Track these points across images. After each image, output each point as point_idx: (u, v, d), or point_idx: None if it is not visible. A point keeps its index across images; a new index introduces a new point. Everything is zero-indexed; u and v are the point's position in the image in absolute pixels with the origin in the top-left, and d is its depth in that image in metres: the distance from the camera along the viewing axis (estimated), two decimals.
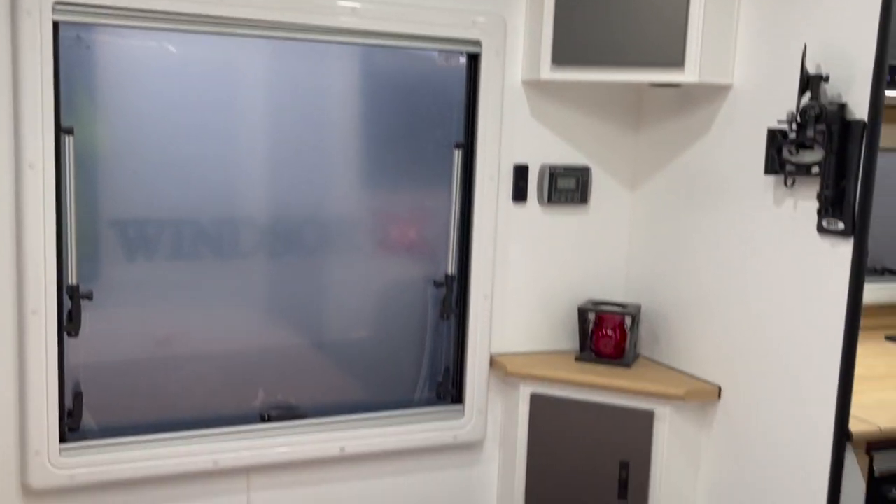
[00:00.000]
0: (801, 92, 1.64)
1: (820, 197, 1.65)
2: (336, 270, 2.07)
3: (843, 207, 1.64)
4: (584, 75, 1.99)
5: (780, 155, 1.75)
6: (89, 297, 1.85)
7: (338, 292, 2.08)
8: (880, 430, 1.72)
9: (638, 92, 2.24)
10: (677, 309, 2.13)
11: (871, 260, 2.68)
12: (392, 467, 2.15)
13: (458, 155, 2.13)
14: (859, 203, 1.62)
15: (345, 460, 2.10)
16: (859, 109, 1.61)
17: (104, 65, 1.81)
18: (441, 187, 2.14)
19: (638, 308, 2.20)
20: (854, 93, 1.61)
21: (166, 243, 1.91)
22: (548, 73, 2.02)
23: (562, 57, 1.99)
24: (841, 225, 1.64)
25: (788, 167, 1.73)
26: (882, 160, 2.63)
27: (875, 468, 1.77)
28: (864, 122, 1.59)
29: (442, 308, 2.17)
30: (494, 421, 2.22)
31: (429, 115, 2.10)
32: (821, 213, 1.67)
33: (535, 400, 2.10)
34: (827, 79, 1.64)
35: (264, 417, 2.05)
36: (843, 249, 1.65)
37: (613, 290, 2.31)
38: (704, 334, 2.04)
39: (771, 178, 1.81)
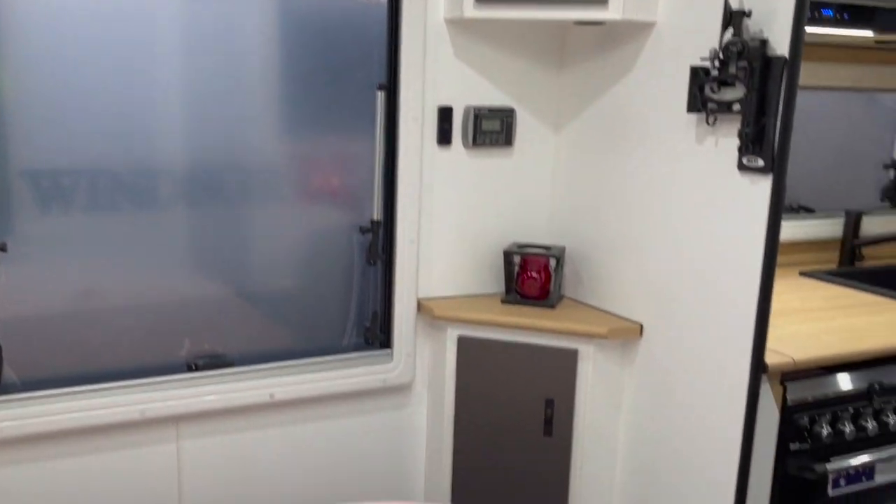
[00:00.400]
0: (724, 28, 1.65)
1: (741, 134, 1.67)
2: (260, 218, 2.02)
3: (762, 145, 1.66)
4: (507, 13, 1.95)
5: (702, 93, 1.76)
6: (3, 248, 1.76)
7: (262, 240, 2.03)
8: (794, 361, 1.79)
9: (561, 30, 2.22)
10: (601, 249, 2.15)
11: (788, 198, 2.75)
12: (322, 412, 2.14)
13: (380, 97, 2.07)
14: (779, 140, 1.64)
15: (275, 406, 2.08)
16: (780, 46, 1.62)
17: (8, 6, 1.69)
18: (364, 131, 2.09)
19: (562, 250, 2.22)
20: (775, 29, 1.62)
21: (82, 193, 1.83)
22: (471, 10, 1.98)
23: None
24: (761, 162, 1.67)
25: (710, 105, 1.74)
26: (801, 98, 2.68)
27: (788, 397, 1.84)
28: (785, 59, 1.61)
29: (368, 254, 2.15)
30: (423, 364, 2.22)
31: (350, 55, 2.04)
32: (741, 151, 1.69)
33: (463, 342, 2.11)
34: (749, 14, 1.65)
35: (191, 367, 2.01)
36: (763, 186, 1.69)
37: (539, 233, 2.32)
38: (627, 273, 2.07)
39: (693, 117, 1.82)
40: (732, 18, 1.64)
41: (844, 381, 1.93)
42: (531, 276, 2.18)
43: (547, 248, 2.21)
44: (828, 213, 2.75)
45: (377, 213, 2.13)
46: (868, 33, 2.04)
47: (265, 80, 1.96)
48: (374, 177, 2.11)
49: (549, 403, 2.08)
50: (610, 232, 2.12)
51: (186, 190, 1.93)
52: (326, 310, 2.14)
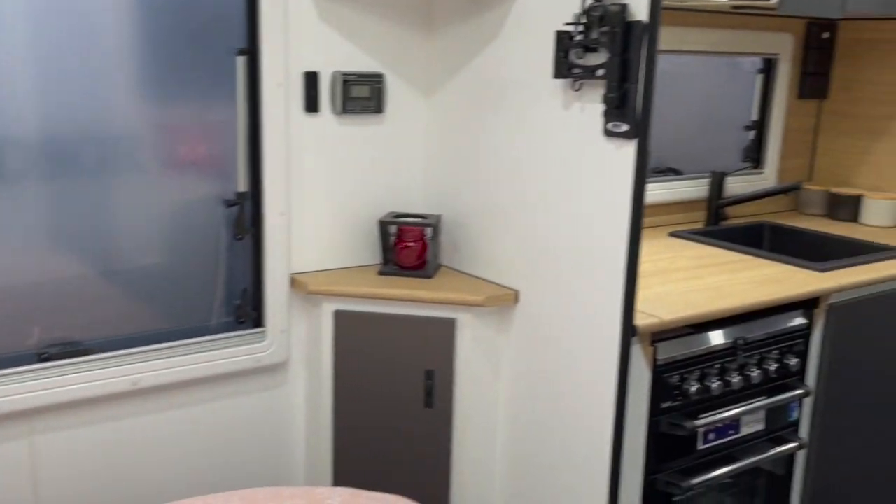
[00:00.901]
0: None
1: (605, 100, 1.67)
2: (116, 191, 1.88)
3: (626, 110, 1.67)
4: None
5: (567, 58, 1.75)
6: None
7: (120, 215, 1.90)
8: (662, 321, 1.83)
9: None
10: (476, 217, 2.14)
11: (657, 161, 2.82)
12: (193, 397, 2.04)
13: (241, 62, 1.97)
14: (641, 105, 1.65)
15: (140, 394, 1.97)
16: (640, 11, 1.62)
17: None
18: (227, 97, 1.98)
19: (438, 218, 2.19)
20: None
21: None
22: None
23: None
24: (625, 127, 1.68)
25: (575, 70, 1.73)
26: (668, 63, 2.73)
27: (658, 357, 1.89)
28: (645, 24, 1.61)
29: (235, 228, 2.05)
30: (299, 341, 2.16)
31: (209, 18, 1.92)
32: (606, 116, 1.70)
33: (339, 316, 2.05)
34: None
35: (42, 357, 1.86)
36: (628, 151, 1.70)
37: (415, 202, 2.28)
38: (502, 240, 2.07)
39: (560, 83, 1.81)
40: None
41: (711, 339, 1.99)
42: (407, 245, 2.15)
43: (423, 216, 2.17)
44: (695, 175, 2.84)
45: (243, 185, 2.03)
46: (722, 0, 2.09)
47: (120, 44, 1.81)
48: (238, 146, 2.01)
49: (430, 374, 2.06)
50: (484, 199, 2.10)
51: (35, 161, 1.77)
52: (192, 289, 2.04)
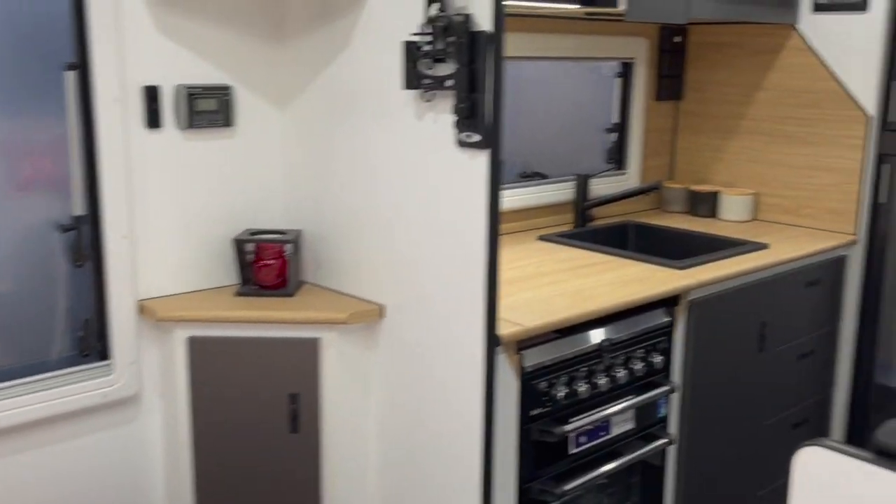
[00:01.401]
0: (429, 2, 1.60)
1: (455, 110, 1.64)
2: None
3: (477, 120, 1.65)
4: None
5: (416, 68, 1.71)
6: None
7: None
8: (526, 329, 1.82)
9: (280, 5, 2.08)
10: (338, 230, 2.07)
11: (523, 165, 2.84)
12: (35, 440, 1.88)
13: (71, 77, 1.83)
14: (491, 114, 1.63)
15: None
16: (484, 20, 1.60)
17: None
18: (58, 115, 1.84)
19: (299, 233, 2.11)
20: (478, 3, 1.60)
21: None
22: None
23: None
24: (476, 137, 1.65)
25: (425, 81, 1.70)
26: (528, 69, 2.73)
27: (525, 365, 1.88)
28: (489, 33, 1.59)
29: (74, 254, 1.90)
30: (151, 372, 2.03)
31: (33, 30, 1.77)
32: (458, 127, 1.67)
33: (193, 343, 1.94)
34: None
35: None
36: (481, 161, 1.67)
37: (275, 218, 2.19)
38: (365, 254, 2.01)
39: (411, 93, 1.77)
40: None
41: (578, 342, 2.00)
42: (266, 264, 2.06)
43: (282, 232, 2.09)
44: (561, 178, 2.86)
45: (80, 208, 1.89)
46: (575, 7, 2.10)
47: None
48: (71, 167, 1.86)
49: (294, 398, 1.97)
50: (345, 212, 2.04)
51: None
52: (30, 322, 1.88)
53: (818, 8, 2.81)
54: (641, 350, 2.16)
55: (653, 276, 2.26)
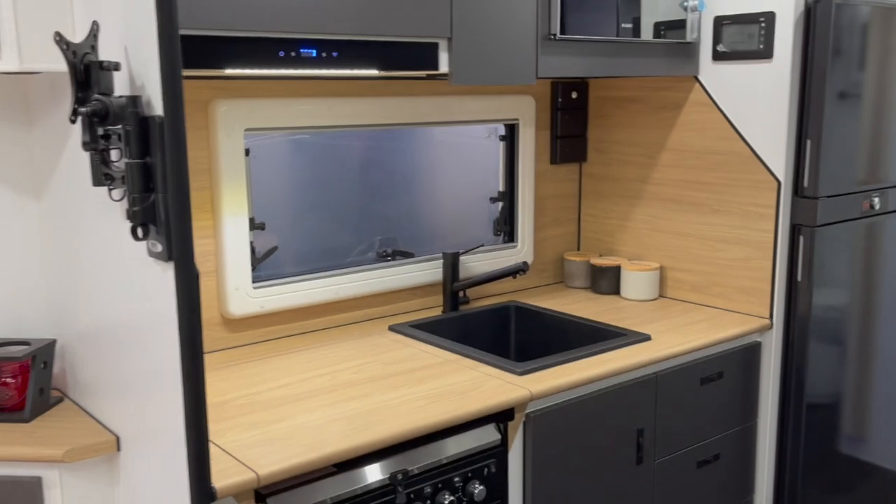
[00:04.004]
0: (78, 86, 1.30)
1: (128, 215, 1.33)
2: None
3: (158, 226, 1.33)
4: None
5: (104, 162, 1.41)
6: None
7: None
8: (258, 478, 1.47)
9: (21, 80, 1.81)
10: (87, 342, 1.77)
11: (381, 244, 2.51)
12: None
13: None
14: (175, 219, 1.32)
15: None
16: (157, 103, 1.29)
17: None
18: None
19: (51, 344, 1.81)
20: (148, 80, 1.30)
21: None
22: None
23: None
24: (160, 247, 1.34)
25: (108, 178, 1.40)
26: (385, 139, 2.32)
27: None
28: (162, 119, 1.29)
29: None
30: None
31: None
32: (139, 234, 1.36)
33: None
34: (117, 67, 1.32)
35: None
36: (169, 274, 1.35)
37: (33, 325, 1.90)
38: (105, 373, 1.70)
39: (103, 191, 1.47)
40: (90, 73, 1.30)
41: (356, 479, 1.65)
42: (4, 382, 1.76)
43: (26, 343, 1.79)
44: (431, 257, 2.53)
45: None
46: (371, 72, 1.78)
47: None
48: None
49: None
50: (89, 321, 1.74)
51: None
52: None
53: (718, 56, 2.45)
54: (458, 479, 1.80)
55: (483, 384, 1.90)
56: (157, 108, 1.29)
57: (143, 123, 1.30)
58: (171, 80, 1.27)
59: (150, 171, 1.31)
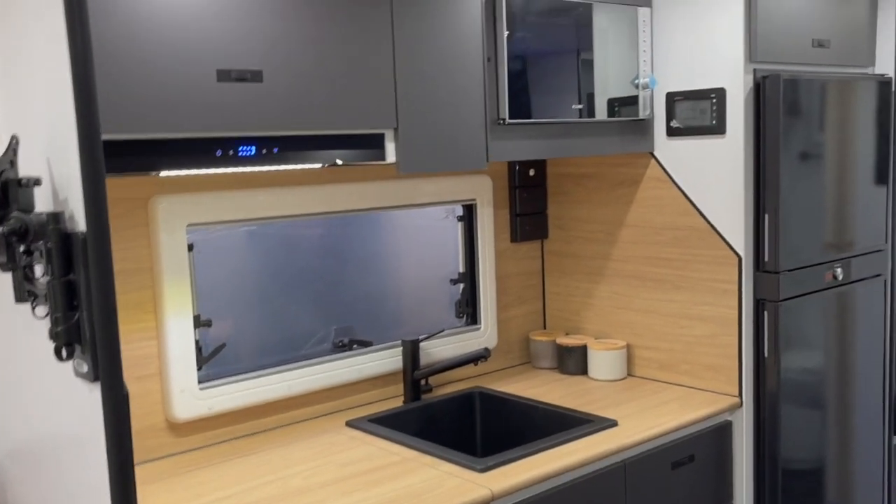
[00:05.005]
0: None
1: (50, 335, 1.26)
2: None
3: (84, 346, 1.25)
4: None
5: (28, 280, 1.34)
6: None
7: None
8: None
9: None
10: (22, 461, 1.66)
11: (337, 334, 2.44)
12: None
13: None
14: (101, 338, 1.24)
15: None
16: (79, 218, 1.23)
17: None
18: None
19: None
20: (70, 196, 1.24)
21: None
22: None
23: None
24: (85, 367, 1.26)
25: (31, 294, 1.32)
26: (356, 226, 2.09)
27: None
28: (84, 235, 1.22)
29: None
30: None
31: None
32: (61, 354, 1.27)
33: None
34: (38, 183, 1.26)
35: None
36: (95, 397, 1.27)
37: None
38: (41, 492, 1.59)
39: (27, 307, 1.39)
40: (8, 191, 1.24)
41: None
42: None
43: None
44: (386, 345, 2.45)
45: None
46: (314, 165, 1.74)
47: None
48: None
49: None
50: (31, 437, 1.63)
51: None
52: None
53: (672, 132, 2.45)
54: None
55: (442, 484, 1.81)
56: (81, 223, 1.22)
57: (66, 240, 1.23)
58: (93, 194, 1.20)
59: (74, 288, 1.24)
